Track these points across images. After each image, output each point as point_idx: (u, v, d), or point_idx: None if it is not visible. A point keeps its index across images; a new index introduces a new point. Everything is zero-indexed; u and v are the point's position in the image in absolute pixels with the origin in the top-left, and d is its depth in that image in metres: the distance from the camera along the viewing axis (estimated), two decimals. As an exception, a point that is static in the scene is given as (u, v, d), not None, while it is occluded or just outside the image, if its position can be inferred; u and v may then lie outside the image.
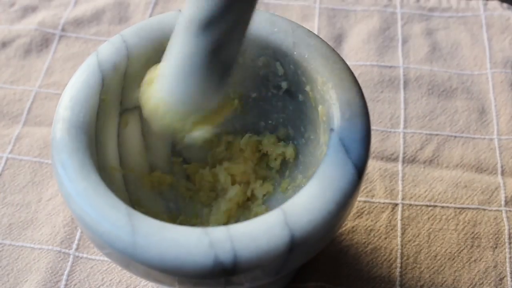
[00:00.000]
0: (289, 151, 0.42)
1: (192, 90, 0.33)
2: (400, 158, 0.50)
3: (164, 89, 0.34)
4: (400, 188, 0.48)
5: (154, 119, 0.35)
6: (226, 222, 0.41)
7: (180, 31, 0.32)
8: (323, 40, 0.38)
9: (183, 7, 0.40)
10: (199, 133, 0.35)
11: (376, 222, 0.46)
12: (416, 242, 0.45)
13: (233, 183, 0.42)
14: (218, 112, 0.35)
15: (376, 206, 0.47)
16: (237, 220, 0.41)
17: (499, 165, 0.49)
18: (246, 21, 0.31)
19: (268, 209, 0.41)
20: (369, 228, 0.46)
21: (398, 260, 0.45)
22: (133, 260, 0.30)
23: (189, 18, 0.31)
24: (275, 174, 0.43)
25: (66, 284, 0.44)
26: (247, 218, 0.41)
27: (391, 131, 0.51)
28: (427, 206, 0.47)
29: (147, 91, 0.35)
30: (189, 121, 0.34)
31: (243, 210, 0.42)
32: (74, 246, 0.45)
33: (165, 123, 0.34)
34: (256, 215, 0.40)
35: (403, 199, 0.48)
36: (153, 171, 0.42)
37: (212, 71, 0.32)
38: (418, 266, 0.44)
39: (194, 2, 0.30)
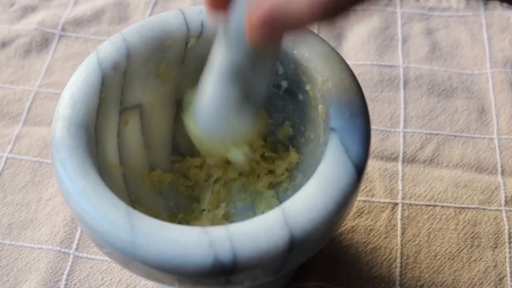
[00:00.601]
0: (293, 158, 0.42)
1: (229, 123, 0.37)
2: (400, 158, 0.50)
3: (203, 124, 0.38)
4: (400, 187, 0.48)
5: (202, 150, 0.40)
6: (221, 200, 0.42)
7: (215, 74, 0.35)
8: (323, 39, 0.38)
9: (183, 7, 0.40)
10: (241, 155, 0.38)
11: (376, 222, 0.46)
12: (416, 242, 0.45)
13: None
14: (254, 130, 0.38)
15: (376, 206, 0.47)
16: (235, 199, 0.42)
17: (499, 165, 0.49)
18: (270, 69, 0.37)
19: (269, 204, 0.41)
20: (369, 228, 0.46)
21: (398, 260, 0.45)
22: (132, 259, 0.30)
23: (222, 65, 0.34)
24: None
25: (66, 284, 0.44)
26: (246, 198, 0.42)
27: (391, 130, 0.51)
28: (427, 205, 0.47)
29: (188, 125, 0.39)
30: (230, 143, 0.38)
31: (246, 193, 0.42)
32: (74, 245, 0.45)
33: (211, 151, 0.39)
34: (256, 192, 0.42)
35: (403, 198, 0.48)
36: (153, 170, 0.42)
37: (245, 107, 0.36)
38: (418, 265, 0.44)
39: (225, 54, 0.34)
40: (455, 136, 0.51)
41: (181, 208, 0.42)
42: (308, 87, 0.38)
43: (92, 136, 0.34)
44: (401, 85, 0.54)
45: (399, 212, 0.47)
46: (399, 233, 0.46)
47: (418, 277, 0.44)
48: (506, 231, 0.46)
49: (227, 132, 0.38)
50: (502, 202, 0.47)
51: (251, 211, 0.42)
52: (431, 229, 0.46)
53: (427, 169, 0.49)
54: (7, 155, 0.50)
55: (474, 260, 0.45)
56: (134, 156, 0.40)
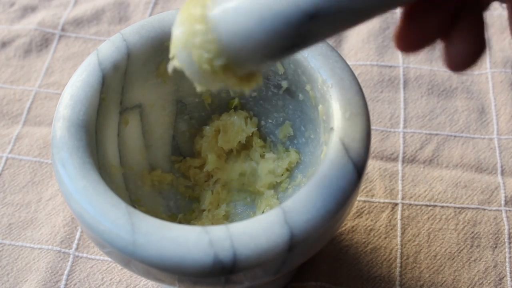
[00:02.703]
0: (293, 158, 0.42)
1: (255, 40, 0.26)
2: (400, 158, 0.50)
3: (223, 18, 0.26)
4: (400, 187, 0.48)
5: (187, 39, 0.27)
6: (221, 200, 0.42)
7: None
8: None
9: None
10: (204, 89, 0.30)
11: (376, 222, 0.46)
12: (416, 242, 0.45)
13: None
14: (244, 79, 0.29)
15: (376, 206, 0.47)
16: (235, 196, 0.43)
17: (499, 165, 0.49)
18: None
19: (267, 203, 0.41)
20: (369, 228, 0.46)
21: (398, 260, 0.45)
22: (133, 258, 0.30)
23: None
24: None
25: (66, 284, 0.44)
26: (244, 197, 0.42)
27: (391, 130, 0.51)
28: (427, 206, 0.47)
29: (192, 5, 0.27)
30: (219, 66, 0.27)
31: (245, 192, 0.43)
32: (74, 245, 0.45)
33: (196, 51, 0.27)
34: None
35: (402, 198, 0.48)
36: (153, 170, 0.42)
37: (294, 38, 0.26)
38: (418, 266, 0.44)
39: None
40: (455, 136, 0.51)
41: (181, 208, 0.42)
42: (308, 87, 0.38)
43: (92, 136, 0.34)
44: (401, 85, 0.54)
45: (399, 212, 0.47)
46: (399, 233, 0.46)
47: (418, 277, 0.44)
48: (506, 231, 0.46)
49: (244, 47, 0.26)
50: (502, 202, 0.47)
51: (251, 211, 0.42)
52: (431, 229, 0.46)
53: (427, 169, 0.49)
54: (7, 155, 0.50)
55: (474, 260, 0.45)
56: (134, 156, 0.40)
